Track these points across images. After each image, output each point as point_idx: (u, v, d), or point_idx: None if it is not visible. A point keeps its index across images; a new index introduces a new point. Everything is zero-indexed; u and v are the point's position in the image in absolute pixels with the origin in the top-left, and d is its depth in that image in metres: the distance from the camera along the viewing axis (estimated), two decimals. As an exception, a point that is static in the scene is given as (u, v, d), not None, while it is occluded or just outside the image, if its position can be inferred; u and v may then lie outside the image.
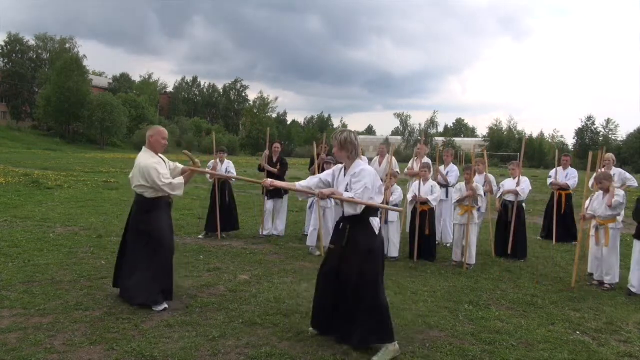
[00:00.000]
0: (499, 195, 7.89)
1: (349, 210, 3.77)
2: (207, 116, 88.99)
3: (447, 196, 8.20)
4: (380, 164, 8.89)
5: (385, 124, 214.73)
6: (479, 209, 7.33)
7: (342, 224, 3.96)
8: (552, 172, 9.39)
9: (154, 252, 4.61)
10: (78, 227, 8.45)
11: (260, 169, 8.57)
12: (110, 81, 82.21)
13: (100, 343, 3.76)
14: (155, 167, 4.55)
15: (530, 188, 7.80)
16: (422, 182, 7.26)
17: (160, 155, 4.80)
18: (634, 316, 4.98)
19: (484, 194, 7.25)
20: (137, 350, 3.63)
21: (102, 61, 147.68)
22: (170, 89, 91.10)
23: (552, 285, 6.04)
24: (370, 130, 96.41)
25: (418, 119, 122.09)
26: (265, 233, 8.44)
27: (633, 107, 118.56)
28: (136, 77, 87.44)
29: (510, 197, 7.64)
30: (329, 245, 4.13)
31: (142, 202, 4.68)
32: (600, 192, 6.18)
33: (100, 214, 9.97)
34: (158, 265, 4.60)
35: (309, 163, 8.58)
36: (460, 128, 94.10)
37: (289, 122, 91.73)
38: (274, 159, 8.53)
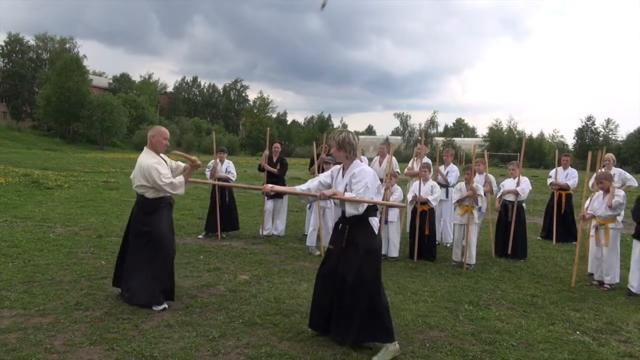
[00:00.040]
0: (499, 195, 7.89)
1: (351, 211, 3.75)
2: (207, 116, 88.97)
3: (447, 196, 8.20)
4: (380, 164, 8.88)
5: (385, 124, 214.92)
6: (479, 209, 7.34)
7: (341, 224, 3.96)
8: (552, 172, 9.40)
9: (155, 252, 4.61)
10: (78, 227, 8.45)
11: (260, 169, 8.57)
12: (110, 81, 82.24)
13: (100, 343, 3.75)
14: (156, 167, 4.55)
15: (530, 188, 7.80)
16: (422, 182, 7.26)
17: (161, 155, 4.80)
18: (634, 316, 4.98)
19: (484, 194, 7.25)
20: (137, 350, 3.63)
21: (102, 61, 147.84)
22: (170, 89, 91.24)
23: (552, 285, 6.04)
24: (370, 130, 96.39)
25: (418, 119, 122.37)
26: (265, 233, 8.44)
27: (633, 107, 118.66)
28: (136, 77, 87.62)
29: (510, 197, 7.64)
30: (328, 245, 4.13)
31: (143, 202, 4.69)
32: (601, 192, 6.17)
33: (100, 214, 9.98)
34: (159, 265, 4.61)
35: (309, 163, 8.57)
36: (460, 128, 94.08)
37: (289, 122, 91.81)
38: (274, 159, 8.53)
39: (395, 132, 76.48)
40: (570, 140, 71.53)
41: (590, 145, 55.74)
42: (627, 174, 8.80)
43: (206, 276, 5.78)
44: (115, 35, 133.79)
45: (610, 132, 66.93)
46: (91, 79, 63.89)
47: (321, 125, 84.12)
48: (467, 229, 6.87)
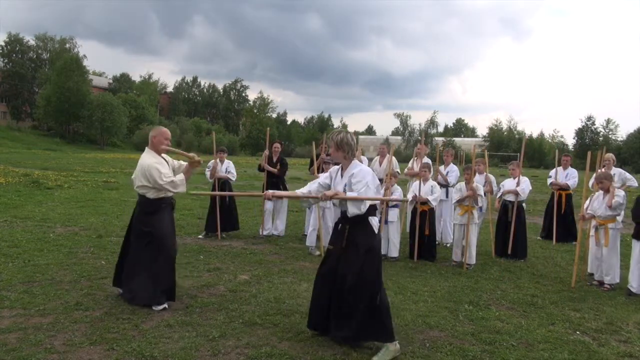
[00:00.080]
0: (499, 195, 7.89)
1: (354, 210, 3.73)
2: (207, 116, 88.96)
3: (447, 196, 8.20)
4: (380, 164, 8.89)
5: (385, 124, 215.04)
6: (480, 209, 7.33)
7: (340, 224, 3.96)
8: (552, 172, 9.40)
9: (156, 253, 4.61)
10: (78, 227, 8.45)
11: (260, 168, 8.57)
12: (110, 81, 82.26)
13: (100, 343, 3.75)
14: (156, 167, 4.56)
15: (530, 188, 7.80)
16: (422, 182, 7.26)
17: (163, 155, 4.80)
18: (634, 316, 4.98)
19: (484, 194, 7.25)
20: (137, 350, 3.63)
21: (102, 61, 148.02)
22: (170, 89, 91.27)
23: (552, 285, 6.04)
24: (370, 130, 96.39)
25: (418, 119, 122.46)
26: (265, 233, 8.44)
27: (633, 107, 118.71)
28: (136, 77, 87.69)
29: (510, 197, 7.64)
30: (327, 246, 4.13)
31: (144, 203, 4.70)
32: (601, 192, 6.17)
33: (100, 214, 9.98)
34: (160, 266, 4.61)
35: (309, 163, 8.58)
36: (460, 128, 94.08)
37: (289, 122, 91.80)
38: (274, 159, 8.53)
39: (395, 132, 76.51)
40: (570, 140, 71.68)
41: (590, 145, 55.75)
42: (627, 174, 8.80)
43: (206, 276, 5.78)
44: (115, 35, 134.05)
45: (610, 132, 66.98)
46: (91, 79, 63.91)
47: (321, 125, 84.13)
48: (467, 229, 6.86)
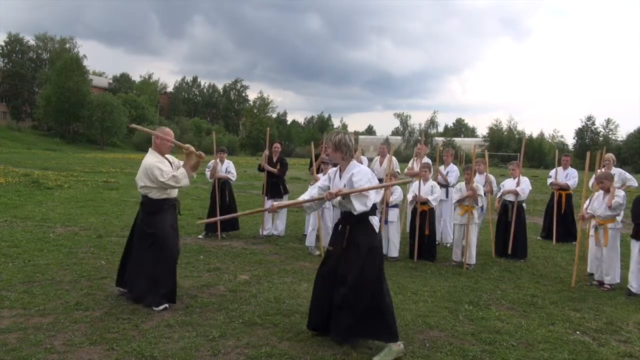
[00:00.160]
0: (499, 195, 7.89)
1: (360, 207, 3.71)
2: (207, 116, 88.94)
3: (447, 196, 8.20)
4: (381, 164, 8.89)
5: (385, 124, 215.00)
6: (480, 209, 7.33)
7: (341, 225, 3.95)
8: (552, 172, 9.40)
9: (158, 253, 4.62)
10: (78, 227, 8.45)
11: (260, 168, 8.57)
12: (110, 81, 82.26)
13: (100, 343, 3.75)
14: (158, 166, 4.58)
15: (530, 188, 7.80)
16: (422, 182, 7.26)
17: (167, 156, 4.81)
18: (634, 316, 4.98)
19: (484, 194, 7.25)
20: (137, 350, 3.63)
21: (102, 61, 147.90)
22: (170, 89, 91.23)
23: (552, 285, 6.04)
24: (370, 130, 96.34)
25: (418, 119, 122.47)
26: (265, 233, 8.44)
27: (633, 107, 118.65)
28: (136, 77, 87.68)
29: (510, 197, 7.64)
30: (327, 246, 4.13)
31: (147, 203, 4.72)
32: (601, 192, 6.17)
33: (100, 214, 9.98)
34: (162, 267, 4.61)
35: (309, 164, 8.58)
36: (460, 128, 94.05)
37: (289, 122, 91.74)
38: (274, 159, 8.53)
39: (395, 132, 76.48)
40: (570, 140, 71.65)
41: (590, 145, 55.76)
42: (627, 174, 8.80)
43: (206, 276, 5.78)
44: (115, 35, 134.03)
45: (610, 132, 66.95)
46: (91, 79, 63.91)
47: (321, 125, 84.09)
48: (467, 229, 6.86)
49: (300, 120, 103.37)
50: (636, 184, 8.88)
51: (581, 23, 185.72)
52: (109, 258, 6.36)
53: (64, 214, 9.80)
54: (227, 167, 8.54)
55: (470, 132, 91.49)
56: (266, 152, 8.46)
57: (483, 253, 7.64)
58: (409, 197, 7.50)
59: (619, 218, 6.31)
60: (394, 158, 7.75)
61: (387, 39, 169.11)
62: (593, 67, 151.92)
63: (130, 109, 62.10)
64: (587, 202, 6.36)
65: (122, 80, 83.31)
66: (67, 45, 66.64)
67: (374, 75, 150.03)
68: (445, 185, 8.23)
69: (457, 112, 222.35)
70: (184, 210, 10.90)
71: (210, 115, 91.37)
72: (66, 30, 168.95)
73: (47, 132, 61.04)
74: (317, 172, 7.50)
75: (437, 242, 7.77)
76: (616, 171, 8.38)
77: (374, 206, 3.90)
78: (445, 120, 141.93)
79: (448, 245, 8.15)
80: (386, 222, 7.04)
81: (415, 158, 8.65)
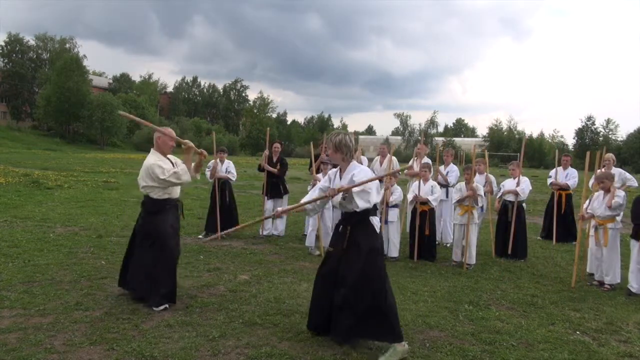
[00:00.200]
0: (499, 195, 7.89)
1: (363, 204, 3.70)
2: (207, 116, 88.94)
3: (447, 196, 8.20)
4: (381, 164, 8.89)
5: (385, 124, 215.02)
6: (480, 209, 7.32)
7: (341, 226, 3.95)
8: (552, 172, 9.40)
9: (158, 254, 4.62)
10: (78, 227, 8.45)
11: (260, 168, 8.57)
12: (110, 81, 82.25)
13: (100, 343, 3.75)
14: (158, 164, 4.60)
15: (530, 188, 7.80)
16: (422, 182, 7.26)
17: (169, 157, 4.81)
18: (634, 316, 4.98)
19: (484, 194, 7.25)
20: (137, 350, 3.63)
21: (102, 61, 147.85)
22: (170, 89, 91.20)
23: (552, 285, 6.04)
24: (370, 130, 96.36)
25: (418, 119, 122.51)
26: (265, 233, 8.44)
27: (633, 107, 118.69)
28: (136, 77, 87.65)
29: (510, 197, 7.64)
30: (328, 247, 4.12)
31: (148, 203, 4.72)
32: (601, 192, 6.17)
33: (100, 214, 9.98)
34: (161, 267, 4.62)
35: (309, 164, 8.58)
36: (460, 128, 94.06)
37: (289, 122, 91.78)
38: (274, 159, 8.53)
39: (395, 132, 76.48)
40: (570, 140, 71.69)
41: (590, 145, 55.75)
42: (627, 174, 8.80)
43: (206, 276, 5.78)
44: (115, 35, 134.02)
45: (610, 132, 66.97)
46: (91, 79, 63.90)
47: (321, 125, 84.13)
48: (467, 229, 6.86)
49: (300, 120, 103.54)
50: (636, 184, 8.88)
51: (581, 23, 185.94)
52: (109, 258, 6.37)
53: (64, 214, 9.80)
54: (227, 167, 8.54)
55: (470, 132, 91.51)
56: (266, 152, 8.46)
57: (483, 253, 7.64)
58: (409, 197, 7.50)
59: (618, 218, 6.30)
60: (394, 158, 7.76)
61: (387, 39, 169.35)
62: (593, 67, 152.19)
63: (130, 109, 61.94)
64: (587, 202, 6.36)
65: (122, 80, 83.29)
66: (67, 45, 66.66)
67: (374, 75, 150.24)
68: (445, 185, 8.23)
69: (457, 112, 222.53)
70: (184, 210, 10.90)
71: (210, 115, 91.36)
72: (66, 30, 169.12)
73: (47, 132, 61.03)
74: (317, 172, 7.49)
75: (437, 242, 7.77)
76: (616, 171, 8.38)
77: (375, 206, 3.89)
78: (445, 120, 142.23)
79: (448, 245, 8.15)
80: (386, 222, 7.04)
81: (415, 158, 8.65)
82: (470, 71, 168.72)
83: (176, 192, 4.84)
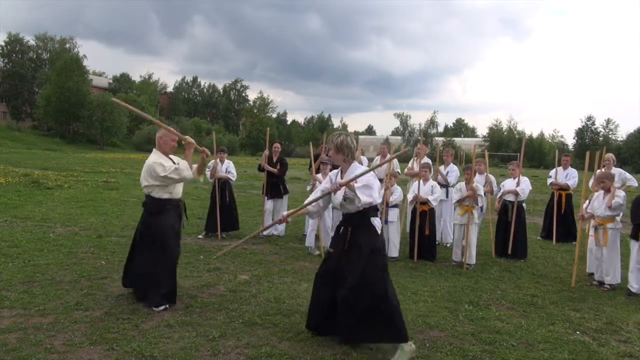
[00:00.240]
0: (499, 195, 7.89)
1: (366, 200, 3.69)
2: (207, 116, 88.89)
3: (447, 196, 8.20)
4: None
5: (385, 124, 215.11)
6: (480, 209, 7.32)
7: (342, 227, 3.94)
8: (552, 172, 9.40)
9: (158, 254, 4.63)
10: (78, 227, 8.45)
11: (260, 168, 8.57)
12: (110, 81, 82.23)
13: (100, 343, 3.76)
14: (159, 162, 4.61)
15: (530, 188, 7.80)
16: (422, 182, 7.26)
17: (171, 156, 4.82)
18: (634, 316, 4.98)
19: (484, 194, 7.25)
20: (137, 350, 3.63)
21: (102, 61, 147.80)
22: (170, 89, 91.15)
23: (552, 285, 6.04)
24: (370, 130, 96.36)
25: (418, 119, 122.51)
26: (265, 233, 8.43)
27: (633, 107, 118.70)
28: (136, 77, 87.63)
29: (510, 197, 7.64)
30: (328, 248, 4.12)
31: (149, 203, 4.73)
32: (601, 192, 6.17)
33: (100, 214, 9.98)
34: (161, 267, 4.62)
35: (309, 164, 8.58)
36: (460, 128, 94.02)
37: (289, 122, 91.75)
38: (274, 159, 8.54)
39: (395, 132, 76.46)
40: (570, 140, 71.69)
41: (590, 145, 55.74)
42: (627, 174, 8.80)
43: (206, 276, 5.78)
44: (115, 35, 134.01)
45: (610, 132, 66.97)
46: (91, 79, 63.85)
47: (321, 125, 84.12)
48: (467, 229, 6.86)
49: (300, 120, 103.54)
50: (636, 184, 8.88)
51: (581, 23, 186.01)
52: (109, 258, 6.37)
53: (64, 214, 9.80)
54: (227, 167, 8.55)
55: (470, 132, 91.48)
56: (266, 152, 8.46)
57: (483, 253, 7.64)
58: (409, 197, 7.50)
59: (618, 218, 6.30)
60: (394, 160, 7.74)
61: (387, 39, 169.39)
62: (593, 67, 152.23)
63: (130, 109, 62.00)
64: (587, 202, 6.36)
65: (122, 80, 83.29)
66: (67, 45, 66.65)
67: (374, 75, 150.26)
68: (445, 185, 8.23)
69: (457, 112, 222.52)
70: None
71: (210, 115, 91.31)
72: (66, 30, 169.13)
73: (47, 132, 61.00)
74: (317, 173, 7.49)
75: (437, 242, 7.77)
76: (616, 171, 8.38)
77: (376, 207, 3.89)
78: (445, 120, 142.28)
79: (448, 245, 8.15)
80: (386, 222, 7.04)
81: (415, 158, 8.65)
82: (470, 71, 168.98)
83: (178, 192, 4.83)
